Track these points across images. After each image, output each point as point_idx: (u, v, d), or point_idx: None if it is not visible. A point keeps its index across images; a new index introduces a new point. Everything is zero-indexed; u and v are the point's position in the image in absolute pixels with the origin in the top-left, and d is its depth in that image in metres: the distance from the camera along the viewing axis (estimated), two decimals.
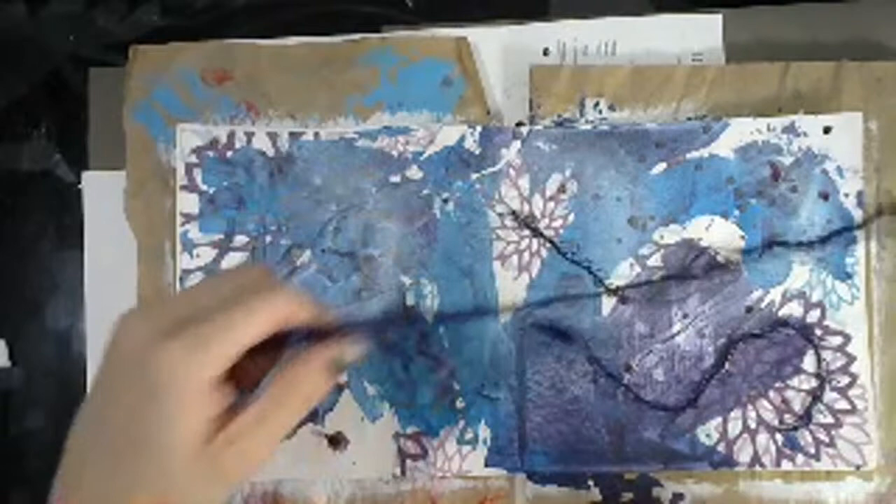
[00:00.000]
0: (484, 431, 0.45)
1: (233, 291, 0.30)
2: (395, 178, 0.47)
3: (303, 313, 0.31)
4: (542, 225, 0.46)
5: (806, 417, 0.45)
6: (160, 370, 0.28)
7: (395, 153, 0.47)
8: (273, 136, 0.47)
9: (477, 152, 0.47)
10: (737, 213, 0.46)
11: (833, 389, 0.45)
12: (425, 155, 0.47)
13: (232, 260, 0.47)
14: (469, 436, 0.45)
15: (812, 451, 0.44)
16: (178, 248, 0.46)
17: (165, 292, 0.47)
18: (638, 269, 0.46)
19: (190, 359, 0.28)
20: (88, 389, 0.31)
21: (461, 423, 0.46)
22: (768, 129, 0.46)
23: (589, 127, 0.47)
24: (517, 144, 0.47)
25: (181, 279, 0.46)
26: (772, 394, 0.45)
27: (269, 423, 0.30)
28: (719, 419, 0.45)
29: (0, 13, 0.52)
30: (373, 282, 0.46)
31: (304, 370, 0.31)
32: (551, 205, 0.46)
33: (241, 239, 0.47)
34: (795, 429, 0.45)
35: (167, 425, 0.28)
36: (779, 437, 0.45)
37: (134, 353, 0.29)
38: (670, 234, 0.46)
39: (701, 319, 0.45)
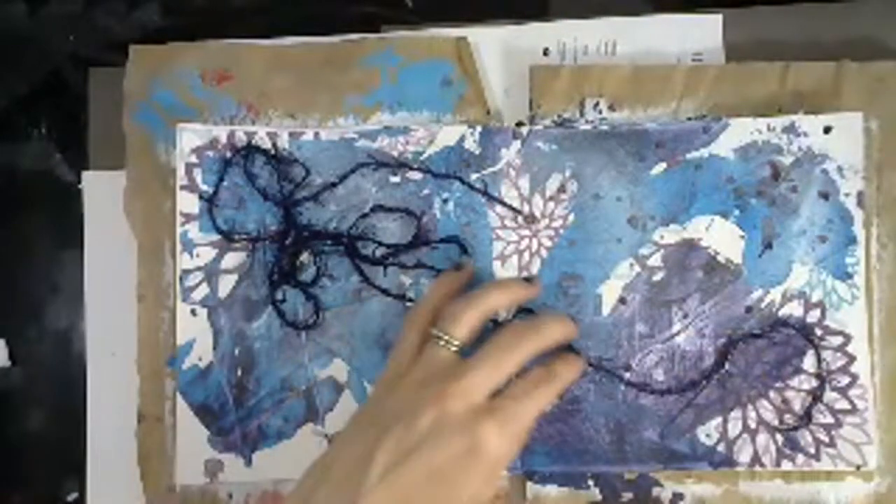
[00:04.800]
0: None
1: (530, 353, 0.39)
2: (395, 179, 0.47)
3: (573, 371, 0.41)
4: (541, 225, 0.46)
5: (806, 417, 0.45)
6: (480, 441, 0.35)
7: (395, 153, 0.47)
8: (273, 136, 0.47)
9: (477, 152, 0.47)
10: (737, 213, 0.46)
11: (833, 389, 0.45)
12: (425, 155, 0.47)
13: (232, 260, 0.47)
14: None
15: (812, 451, 0.44)
16: (178, 247, 0.46)
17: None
18: (638, 268, 0.46)
19: (503, 438, 0.36)
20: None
21: None
22: (768, 129, 0.46)
23: (589, 127, 0.47)
24: (517, 144, 0.47)
25: (181, 279, 0.46)
26: (772, 394, 0.45)
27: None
28: (719, 419, 0.45)
29: (0, 13, 0.52)
30: (373, 282, 0.46)
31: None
32: (551, 205, 0.46)
33: (240, 239, 0.47)
34: (795, 429, 0.45)
35: (474, 482, 0.36)
36: (779, 437, 0.45)
37: (457, 422, 0.36)
38: (670, 234, 0.46)
39: (701, 319, 0.46)
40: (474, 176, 0.47)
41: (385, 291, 0.46)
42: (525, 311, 0.45)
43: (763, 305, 0.45)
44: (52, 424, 0.50)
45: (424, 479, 0.35)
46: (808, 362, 0.45)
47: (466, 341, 0.39)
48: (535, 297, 0.44)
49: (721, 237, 0.46)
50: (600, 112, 0.47)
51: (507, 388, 0.38)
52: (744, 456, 0.45)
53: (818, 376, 0.45)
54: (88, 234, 0.49)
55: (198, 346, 0.46)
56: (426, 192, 0.47)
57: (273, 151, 0.47)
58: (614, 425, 0.45)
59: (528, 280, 0.44)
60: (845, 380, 0.45)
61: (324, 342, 0.46)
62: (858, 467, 0.44)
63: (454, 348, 0.39)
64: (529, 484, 0.46)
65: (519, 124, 0.47)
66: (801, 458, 0.44)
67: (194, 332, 0.46)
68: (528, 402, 0.38)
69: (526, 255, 0.46)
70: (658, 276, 0.46)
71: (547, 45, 0.49)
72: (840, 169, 0.45)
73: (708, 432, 0.45)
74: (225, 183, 0.47)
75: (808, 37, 0.48)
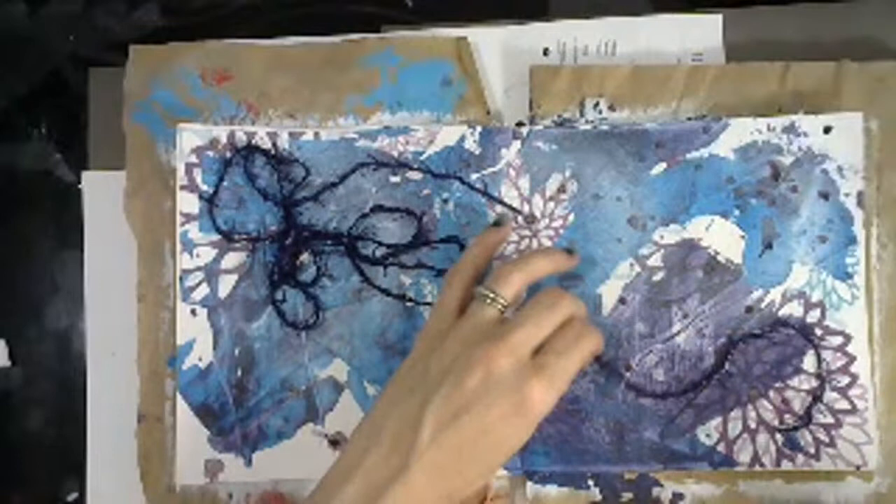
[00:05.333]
0: None
1: (562, 318, 0.39)
2: (395, 178, 0.47)
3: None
4: (541, 225, 0.46)
5: (806, 417, 0.45)
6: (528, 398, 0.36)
7: (395, 153, 0.47)
8: (273, 136, 0.47)
9: (477, 152, 0.47)
10: (737, 213, 0.46)
11: (833, 389, 0.45)
12: (425, 155, 0.47)
13: (232, 260, 0.47)
14: None
15: (812, 451, 0.44)
16: (178, 247, 0.46)
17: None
18: (638, 268, 0.46)
19: (550, 394, 0.36)
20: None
21: None
22: (768, 129, 0.46)
23: (589, 127, 0.47)
24: (517, 144, 0.47)
25: (181, 279, 0.46)
26: (772, 394, 0.45)
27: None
28: (719, 419, 0.45)
29: (0, 13, 0.52)
30: (373, 282, 0.46)
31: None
32: (551, 205, 0.46)
33: (240, 239, 0.47)
34: (795, 429, 0.45)
35: (518, 436, 0.37)
36: (779, 437, 0.45)
37: (506, 381, 0.36)
38: (670, 234, 0.46)
39: (701, 319, 0.46)
40: (474, 176, 0.47)
41: (385, 291, 0.46)
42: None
43: (763, 305, 0.45)
44: (52, 424, 0.50)
45: (474, 437, 0.36)
46: (808, 362, 0.45)
47: (512, 303, 0.40)
48: (574, 268, 0.44)
49: (721, 237, 0.46)
50: (600, 112, 0.47)
51: (550, 343, 0.38)
52: (744, 456, 0.45)
53: (818, 376, 0.45)
54: (88, 234, 0.49)
55: (198, 346, 0.46)
56: (426, 192, 0.47)
57: (273, 151, 0.47)
58: (614, 425, 0.45)
59: (569, 251, 0.44)
60: (845, 380, 0.45)
61: (324, 342, 0.46)
62: (858, 467, 0.44)
63: (500, 308, 0.39)
64: (529, 484, 0.46)
65: (519, 124, 0.47)
66: (801, 458, 0.44)
67: (194, 332, 0.46)
68: (571, 355, 0.38)
69: None
70: (658, 276, 0.46)
71: (547, 45, 0.49)
72: (840, 169, 0.45)
73: (708, 432, 0.45)
74: (225, 183, 0.47)
75: (808, 37, 0.48)
